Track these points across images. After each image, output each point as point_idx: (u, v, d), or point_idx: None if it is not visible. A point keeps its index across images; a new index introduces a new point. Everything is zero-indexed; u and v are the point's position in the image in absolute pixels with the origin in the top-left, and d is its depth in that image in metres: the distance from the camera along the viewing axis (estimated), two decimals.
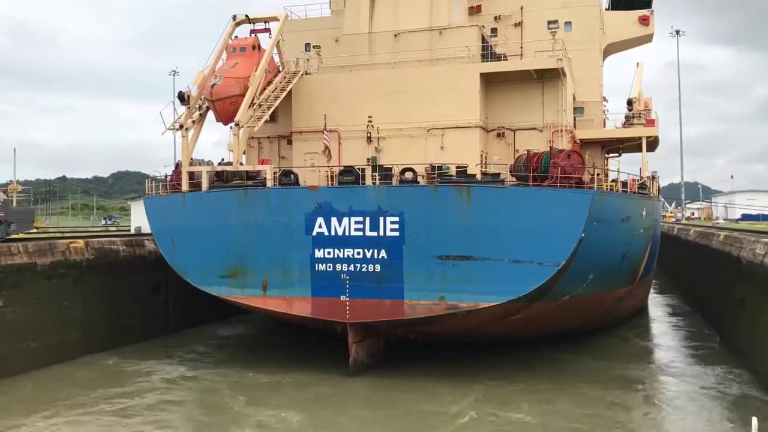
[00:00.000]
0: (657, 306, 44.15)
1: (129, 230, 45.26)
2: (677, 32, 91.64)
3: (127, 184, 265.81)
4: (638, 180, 31.97)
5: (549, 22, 30.16)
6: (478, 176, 27.61)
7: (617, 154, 42.49)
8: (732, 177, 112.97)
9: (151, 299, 33.63)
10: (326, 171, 30.81)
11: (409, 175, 26.09)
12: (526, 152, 27.49)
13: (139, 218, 45.12)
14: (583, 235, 23.76)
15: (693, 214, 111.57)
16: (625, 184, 29.21)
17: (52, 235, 42.11)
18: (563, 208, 23.76)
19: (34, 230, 31.25)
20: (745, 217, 74.42)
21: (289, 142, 34.67)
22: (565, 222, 23.71)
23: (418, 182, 25.91)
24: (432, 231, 24.92)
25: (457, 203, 24.72)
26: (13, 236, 29.16)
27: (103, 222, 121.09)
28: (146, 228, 43.14)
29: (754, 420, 14.84)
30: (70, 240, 30.41)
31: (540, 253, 23.87)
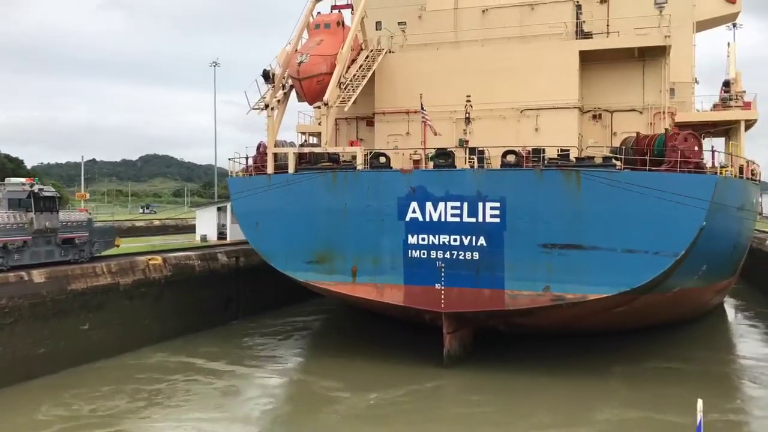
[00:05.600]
0: (738, 302, 41.53)
1: (195, 238, 44.07)
2: (734, 25, 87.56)
3: (155, 167, 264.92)
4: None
5: None
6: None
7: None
8: None
9: (223, 314, 33.65)
10: (411, 154, 29.52)
11: (511, 158, 24.58)
12: (635, 134, 25.70)
13: (204, 226, 43.90)
14: (704, 223, 22.08)
15: None
16: (741, 169, 27.19)
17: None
18: (685, 195, 22.04)
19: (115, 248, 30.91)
20: None
21: (368, 123, 33.42)
22: (686, 209, 22.01)
23: (521, 166, 24.39)
24: (536, 218, 23.51)
25: (565, 188, 23.22)
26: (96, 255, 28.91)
27: (141, 211, 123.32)
28: (212, 236, 42.54)
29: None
30: (149, 257, 30.33)
31: (657, 242, 22.28)
